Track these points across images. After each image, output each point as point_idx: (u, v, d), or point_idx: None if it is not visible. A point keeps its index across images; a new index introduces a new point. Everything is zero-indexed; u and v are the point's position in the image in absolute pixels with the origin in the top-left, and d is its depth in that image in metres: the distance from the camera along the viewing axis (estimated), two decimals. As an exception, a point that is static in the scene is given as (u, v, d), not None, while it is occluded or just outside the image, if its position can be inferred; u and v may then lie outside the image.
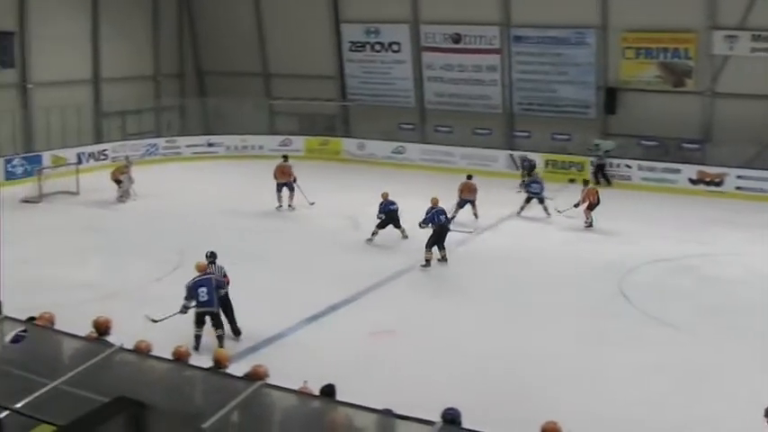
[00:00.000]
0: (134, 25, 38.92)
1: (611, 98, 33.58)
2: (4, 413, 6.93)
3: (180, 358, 11.14)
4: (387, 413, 8.36)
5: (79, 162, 32.13)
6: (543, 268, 21.29)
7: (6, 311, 11.00)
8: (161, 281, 19.84)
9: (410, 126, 37.59)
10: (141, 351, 11.09)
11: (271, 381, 9.97)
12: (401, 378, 14.25)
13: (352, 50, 38.72)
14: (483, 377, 14.45)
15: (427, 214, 21.82)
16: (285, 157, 28.51)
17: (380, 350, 15.91)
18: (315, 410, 8.73)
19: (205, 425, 7.06)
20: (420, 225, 21.83)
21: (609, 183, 31.95)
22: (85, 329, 11.66)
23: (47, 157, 32.61)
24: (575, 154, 33.79)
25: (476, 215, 26.41)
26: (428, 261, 21.34)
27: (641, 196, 30.38)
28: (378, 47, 37.97)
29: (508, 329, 16.89)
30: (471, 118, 36.12)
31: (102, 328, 11.87)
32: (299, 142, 38.49)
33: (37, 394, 7.98)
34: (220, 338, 15.36)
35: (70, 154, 33.02)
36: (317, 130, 39.19)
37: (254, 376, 10.27)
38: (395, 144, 36.71)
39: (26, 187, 29.48)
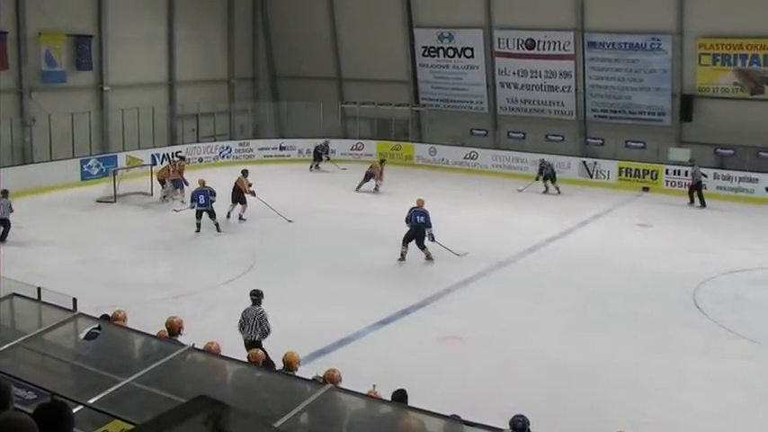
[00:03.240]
0: (209, 29, 39.48)
1: (686, 105, 33.02)
2: (78, 408, 7.05)
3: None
4: (455, 419, 8.37)
5: (153, 163, 32.61)
6: (617, 276, 21.03)
7: (81, 309, 11.21)
8: (232, 282, 20.05)
9: (482, 132, 37.44)
10: (212, 351, 11.25)
11: (340, 384, 10.07)
12: (469, 384, 14.22)
13: (425, 55, 38.72)
14: (553, 385, 14.35)
15: (408, 213, 22.30)
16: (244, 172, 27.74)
17: (449, 356, 15.90)
18: (383, 415, 8.77)
19: (276, 425, 7.14)
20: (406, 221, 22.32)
21: (703, 204, 30.05)
22: (157, 328, 11.84)
23: (122, 158, 33.17)
24: (649, 162, 33.28)
25: None
26: (403, 255, 21.82)
27: (717, 206, 29.82)
28: (451, 52, 37.92)
29: (580, 337, 16.75)
30: (544, 124, 35.87)
31: (174, 329, 12.04)
32: (371, 146, 38.64)
33: (110, 390, 8.12)
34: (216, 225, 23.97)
35: (145, 155, 33.54)
36: (390, 134, 39.27)
37: (329, 380, 10.35)
38: (467, 149, 36.61)
39: (101, 187, 30.00)
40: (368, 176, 30.96)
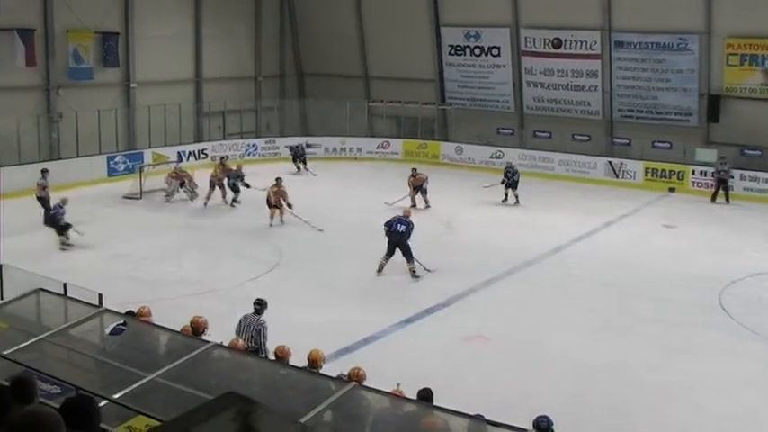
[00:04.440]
0: (236, 27, 39.59)
1: (713, 106, 32.71)
2: (103, 403, 7.08)
3: (282, 357, 11.29)
4: (479, 418, 8.35)
5: (180, 160, 32.76)
6: (642, 277, 20.87)
7: (106, 305, 11.26)
8: (257, 280, 20.08)
9: (509, 131, 37.34)
10: (237, 348, 11.28)
11: (365, 382, 10.06)
12: (493, 384, 14.18)
13: (452, 54, 38.66)
14: (577, 386, 14.29)
15: (386, 224, 21.07)
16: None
17: (473, 355, 15.85)
18: (407, 413, 8.76)
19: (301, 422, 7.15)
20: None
21: (727, 201, 30.15)
22: (182, 325, 11.87)
23: (148, 155, 33.36)
24: (675, 162, 33.06)
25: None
26: (381, 268, 20.69)
27: (744, 207, 29.58)
28: (477, 51, 37.83)
29: (604, 338, 16.66)
30: (570, 124, 35.71)
31: (198, 329, 12.06)
32: (397, 145, 38.63)
33: (134, 386, 8.16)
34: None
35: (171, 152, 33.71)
36: (416, 133, 39.23)
37: (354, 378, 10.35)
38: (493, 149, 36.50)
39: (127, 184, 30.13)
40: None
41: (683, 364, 15.44)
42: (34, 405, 5.06)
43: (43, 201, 25.12)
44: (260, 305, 13.91)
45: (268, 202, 25.53)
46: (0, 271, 14.91)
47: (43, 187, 25.29)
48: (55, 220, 23.17)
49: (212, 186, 28.20)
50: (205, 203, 28.00)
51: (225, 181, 28.44)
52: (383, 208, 26.71)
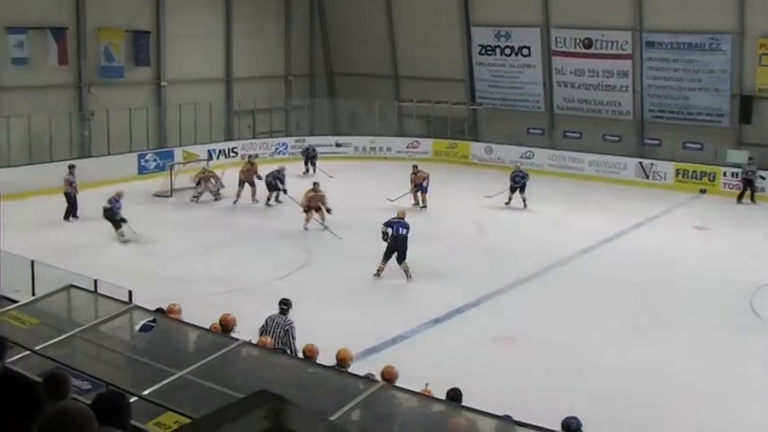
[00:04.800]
0: (266, 26, 39.69)
1: (746, 107, 32.43)
2: (132, 399, 7.10)
3: (310, 355, 11.29)
4: (507, 419, 8.31)
5: (210, 159, 32.93)
6: (673, 279, 20.76)
7: (136, 301, 11.31)
8: (286, 278, 20.12)
9: (539, 131, 37.23)
10: (265, 346, 11.29)
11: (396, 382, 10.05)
12: (522, 385, 14.13)
13: (482, 54, 38.59)
14: (607, 388, 14.18)
15: (387, 225, 20.69)
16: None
17: (502, 356, 15.80)
18: (436, 413, 8.73)
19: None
20: (384, 235, 20.51)
21: (753, 201, 30.19)
22: (211, 323, 11.90)
23: (178, 153, 33.53)
24: (707, 163, 32.79)
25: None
26: (379, 272, 20.40)
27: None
28: (508, 50, 37.74)
29: (634, 341, 16.55)
30: (601, 124, 35.54)
31: (228, 327, 12.08)
32: (426, 145, 38.61)
33: (164, 382, 8.18)
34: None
35: (201, 150, 33.87)
36: (446, 133, 39.17)
37: (387, 376, 10.35)
38: (523, 149, 36.37)
39: (158, 182, 30.29)
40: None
41: (716, 368, 15.32)
42: (67, 401, 5.09)
43: (69, 197, 25.39)
44: (286, 305, 13.86)
45: (304, 206, 25.17)
46: (32, 267, 15.00)
47: (70, 183, 25.58)
48: (112, 214, 23.50)
49: (241, 185, 28.26)
50: (235, 201, 28.11)
51: (254, 179, 28.47)
52: (412, 207, 26.69)
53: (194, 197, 28.88)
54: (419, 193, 28.19)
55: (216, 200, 28.77)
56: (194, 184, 29.21)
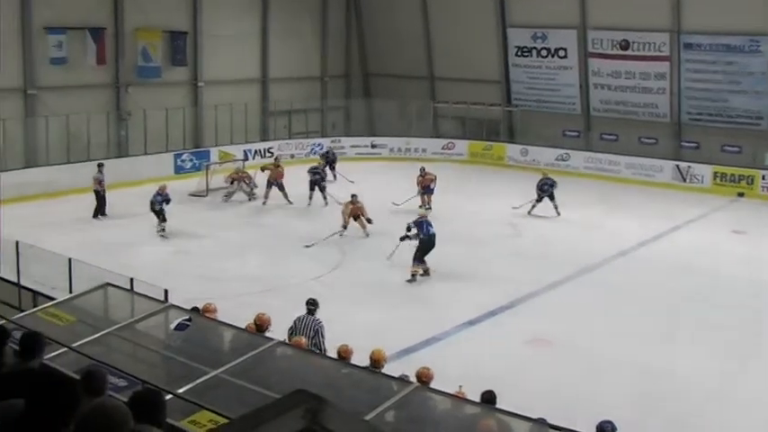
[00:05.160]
0: (302, 27, 39.81)
1: (785, 109, 32.12)
2: (167, 397, 7.13)
3: (345, 356, 11.30)
4: (541, 422, 8.27)
5: (245, 159, 33.06)
6: (710, 283, 20.57)
7: (172, 300, 11.36)
8: (321, 279, 20.15)
9: (575, 133, 37.05)
10: (299, 346, 11.32)
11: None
12: (556, 388, 14.06)
13: (518, 55, 38.47)
14: (641, 392, 14.09)
15: (416, 225, 20.61)
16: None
17: (536, 359, 15.74)
18: (470, 415, 8.70)
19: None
20: (407, 237, 20.53)
21: None
22: (246, 322, 11.95)
23: (214, 153, 33.71)
24: (745, 167, 32.49)
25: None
26: (414, 276, 20.27)
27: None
28: (544, 52, 37.59)
29: (669, 344, 16.41)
30: (637, 126, 35.29)
31: (262, 326, 12.12)
32: (462, 146, 38.54)
33: (198, 381, 8.21)
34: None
35: (237, 151, 34.01)
36: (481, 134, 39.08)
37: (423, 378, 10.34)
38: (559, 151, 36.24)
39: (194, 181, 30.45)
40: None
41: (751, 374, 15.19)
42: (103, 397, 5.13)
43: (98, 195, 25.63)
44: (313, 305, 13.85)
45: (347, 221, 24.51)
46: (69, 265, 15.14)
47: (99, 181, 25.84)
48: (151, 205, 24.03)
49: (269, 186, 28.32)
50: (264, 203, 28.16)
51: (282, 182, 28.54)
52: (445, 209, 26.61)
53: (226, 196, 29.12)
54: (426, 196, 27.97)
55: (249, 200, 28.93)
56: (228, 184, 29.43)
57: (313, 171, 28.87)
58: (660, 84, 34.86)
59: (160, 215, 23.94)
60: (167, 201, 24.10)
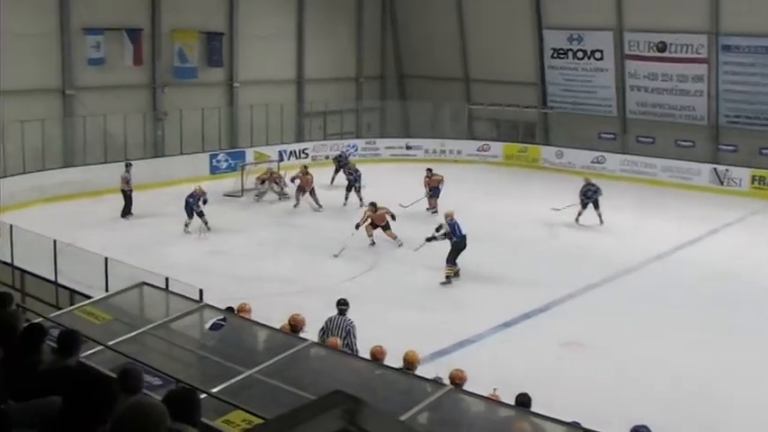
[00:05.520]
0: (338, 28, 39.94)
1: (825, 112, 31.74)
2: (202, 396, 7.17)
3: (378, 357, 11.28)
4: (575, 426, 8.22)
5: (281, 159, 33.17)
6: (746, 289, 20.29)
7: (206, 300, 11.41)
8: (355, 279, 20.16)
9: (611, 135, 36.82)
10: (333, 347, 11.32)
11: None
12: (590, 391, 13.97)
13: (554, 57, 38.30)
14: (675, 397, 13.97)
15: (449, 226, 20.38)
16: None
17: (570, 362, 15.64)
18: (504, 418, 8.65)
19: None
20: (434, 238, 20.47)
21: None
22: (280, 322, 11.96)
23: (250, 154, 33.84)
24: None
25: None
26: (448, 278, 20.16)
27: None
28: (580, 54, 37.39)
29: (705, 350, 16.20)
30: (674, 129, 34.99)
31: (297, 327, 12.14)
32: (497, 148, 38.42)
33: (233, 381, 8.23)
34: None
35: (272, 151, 34.12)
36: (516, 136, 38.96)
37: (456, 380, 10.31)
38: (594, 153, 36.02)
39: (229, 182, 30.58)
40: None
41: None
42: (140, 396, 5.16)
43: (126, 194, 25.80)
44: (345, 305, 13.83)
45: (370, 232, 23.88)
46: (105, 264, 15.25)
47: (127, 181, 26.02)
48: (186, 204, 24.30)
49: (300, 192, 28.29)
50: (295, 206, 28.23)
51: (313, 187, 28.53)
52: (480, 211, 26.50)
53: (257, 196, 29.28)
54: (433, 198, 27.86)
55: (280, 199, 29.08)
56: (258, 184, 29.63)
57: (348, 172, 28.96)
58: (697, 86, 34.56)
59: (195, 214, 24.22)
60: (205, 201, 24.27)
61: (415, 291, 19.48)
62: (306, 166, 29.89)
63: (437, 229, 20.66)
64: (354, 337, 13.39)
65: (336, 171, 31.83)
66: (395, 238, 23.57)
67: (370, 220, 23.66)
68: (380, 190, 27.08)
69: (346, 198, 28.45)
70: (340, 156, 32.74)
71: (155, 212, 25.73)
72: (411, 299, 18.83)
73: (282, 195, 29.21)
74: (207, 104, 33.79)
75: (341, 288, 18.88)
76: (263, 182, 29.55)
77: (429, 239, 20.61)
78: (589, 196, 26.58)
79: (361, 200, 28.01)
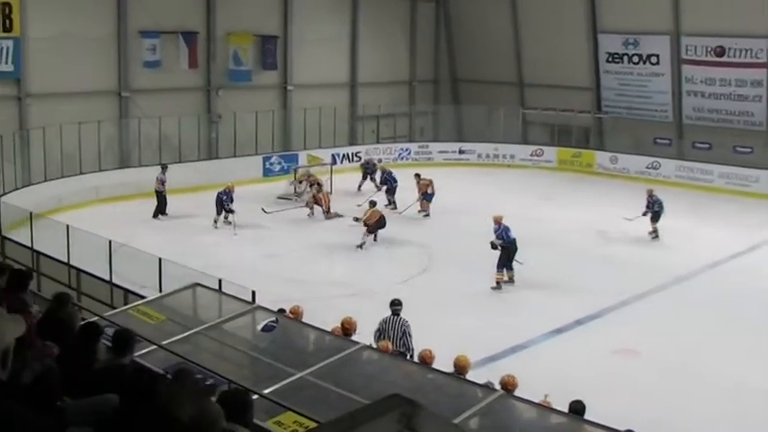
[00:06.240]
0: (391, 32, 39.94)
1: None
2: (254, 397, 7.19)
3: (428, 361, 11.25)
4: (630, 435, 8.13)
5: (333, 162, 33.21)
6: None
7: (259, 302, 11.45)
8: (407, 283, 20.13)
9: (666, 141, 36.37)
10: (385, 351, 11.30)
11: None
12: (644, 400, 13.81)
13: (609, 62, 37.92)
14: (731, 408, 13.75)
15: (495, 232, 20.30)
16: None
17: (624, 370, 15.45)
18: (556, 425, 8.57)
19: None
20: (492, 244, 20.22)
21: None
22: (331, 325, 11.98)
23: (303, 157, 33.94)
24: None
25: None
26: (498, 283, 20.05)
27: None
28: (636, 58, 36.96)
29: (762, 360, 15.92)
30: (732, 135, 34.46)
31: (349, 330, 12.14)
32: (551, 153, 38.13)
33: (284, 382, 8.25)
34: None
35: (325, 154, 34.17)
36: (570, 141, 38.67)
37: (507, 386, 10.24)
38: (649, 159, 35.60)
39: (282, 184, 30.70)
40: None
41: None
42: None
43: (160, 195, 26.02)
44: (398, 305, 13.83)
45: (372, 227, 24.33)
46: (159, 264, 15.37)
47: (162, 182, 26.25)
48: (218, 200, 24.84)
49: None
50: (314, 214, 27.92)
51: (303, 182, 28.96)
52: (534, 215, 26.37)
53: (296, 195, 29.38)
54: (424, 201, 27.81)
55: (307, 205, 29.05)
56: (297, 183, 29.90)
57: (384, 178, 29.02)
58: (756, 91, 34.00)
59: (219, 208, 24.79)
60: (231, 200, 24.86)
61: (467, 295, 19.38)
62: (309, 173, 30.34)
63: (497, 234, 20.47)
64: (410, 336, 13.42)
65: (364, 178, 31.83)
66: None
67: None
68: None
69: (391, 202, 28.36)
70: (367, 163, 32.65)
71: (208, 214, 25.86)
72: (463, 303, 18.75)
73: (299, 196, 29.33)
74: (261, 107, 33.97)
75: (393, 291, 18.72)
76: (300, 181, 29.87)
77: (494, 247, 20.37)
78: (650, 207, 25.67)
79: (393, 203, 28.32)
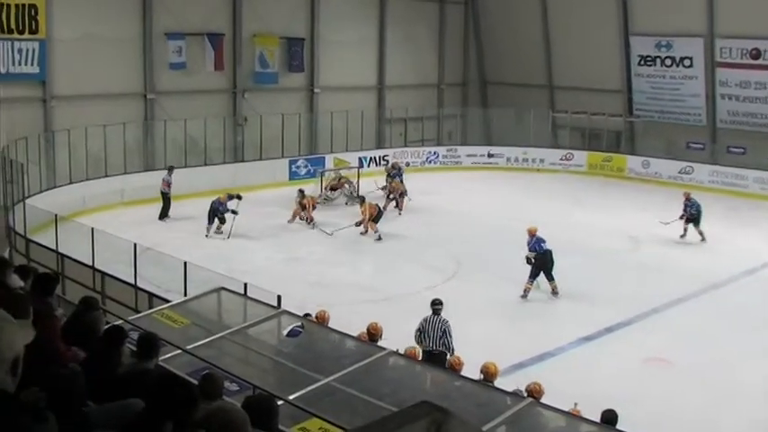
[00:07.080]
0: (419, 34, 39.78)
1: None
2: (279, 402, 7.10)
3: (456, 367, 11.13)
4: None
5: (360, 166, 33.06)
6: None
7: (284, 306, 11.36)
8: (434, 288, 19.91)
9: (699, 145, 35.91)
10: (412, 357, 11.18)
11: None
12: (676, 409, 13.63)
13: (641, 65, 37.54)
14: (764, 419, 13.44)
15: (528, 244, 19.88)
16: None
17: (654, 378, 15.20)
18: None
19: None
20: (527, 258, 19.75)
21: None
22: (357, 330, 11.87)
23: (329, 160, 33.81)
24: None
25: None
26: (526, 292, 19.58)
27: None
28: (668, 61, 36.56)
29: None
30: (767, 139, 34.00)
31: (375, 335, 12.04)
32: (581, 157, 37.79)
33: (309, 388, 8.19)
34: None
35: (352, 157, 34.02)
36: (601, 145, 38.32)
37: (534, 393, 10.11)
38: (682, 164, 35.19)
39: (308, 188, 30.55)
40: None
41: None
42: (221, 401, 5.16)
43: (165, 197, 25.99)
44: (439, 305, 13.89)
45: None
46: (185, 268, 15.28)
47: (168, 184, 26.23)
48: (212, 208, 24.49)
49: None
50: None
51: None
52: (565, 221, 26.06)
53: (325, 199, 29.21)
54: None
55: (347, 204, 29.06)
56: (329, 191, 29.78)
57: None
58: (793, 95, 33.55)
59: (211, 216, 24.47)
60: (226, 209, 24.56)
61: (496, 302, 19.17)
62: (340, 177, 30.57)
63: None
64: (450, 336, 13.49)
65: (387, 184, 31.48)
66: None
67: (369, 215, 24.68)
68: (461, 197, 26.77)
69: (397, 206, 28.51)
70: (393, 167, 32.08)
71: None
72: (491, 310, 18.54)
73: (352, 200, 29.01)
74: (287, 110, 33.91)
75: (420, 297, 18.58)
76: (333, 189, 29.65)
77: (528, 261, 19.95)
78: (687, 211, 25.43)
79: (399, 207, 28.46)
